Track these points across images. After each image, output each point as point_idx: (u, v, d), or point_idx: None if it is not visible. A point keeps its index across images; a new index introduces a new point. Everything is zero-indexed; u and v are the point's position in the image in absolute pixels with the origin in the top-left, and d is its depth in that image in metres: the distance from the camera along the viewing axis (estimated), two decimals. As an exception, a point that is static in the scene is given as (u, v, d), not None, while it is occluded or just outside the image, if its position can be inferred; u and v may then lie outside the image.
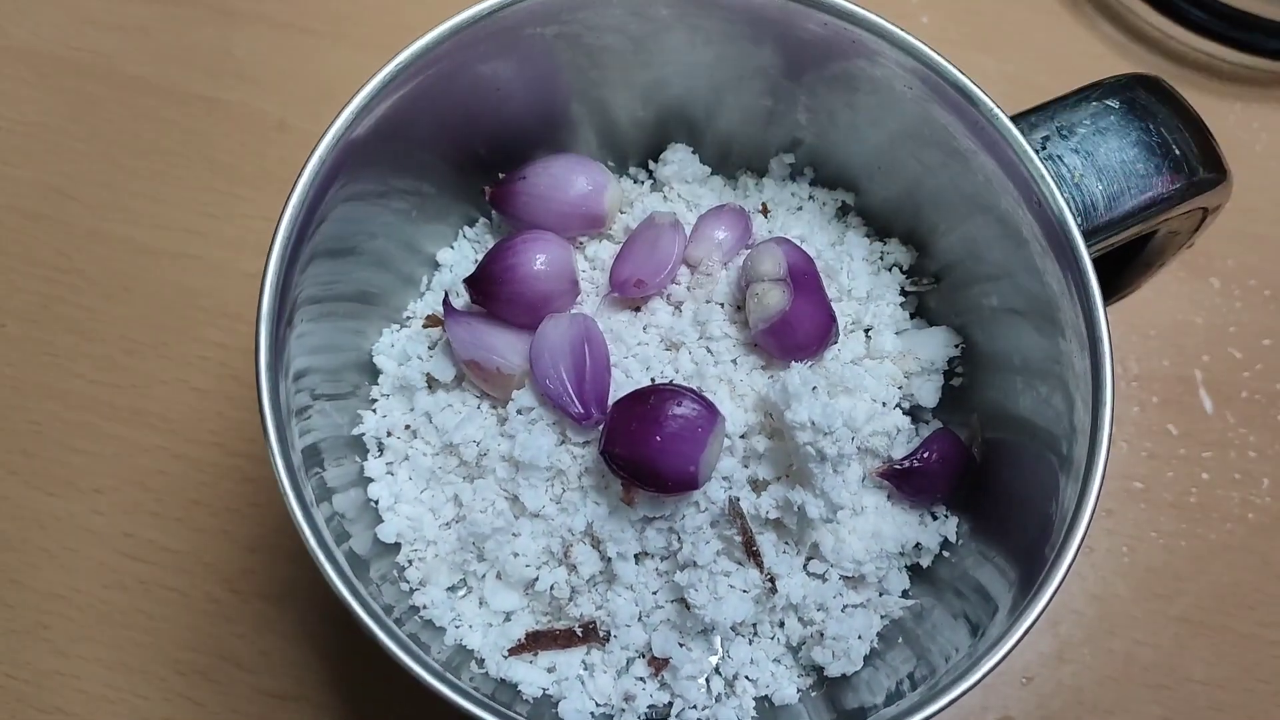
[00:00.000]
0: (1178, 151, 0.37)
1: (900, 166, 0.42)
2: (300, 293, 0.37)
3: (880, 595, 0.41)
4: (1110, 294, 0.44)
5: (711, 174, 0.46)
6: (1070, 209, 0.35)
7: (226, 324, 0.53)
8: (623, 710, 0.39)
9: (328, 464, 0.38)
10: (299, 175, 0.36)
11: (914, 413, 0.43)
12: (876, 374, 0.41)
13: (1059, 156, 0.37)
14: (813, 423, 0.36)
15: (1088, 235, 0.36)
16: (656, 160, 0.46)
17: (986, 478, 0.42)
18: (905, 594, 0.41)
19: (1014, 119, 0.36)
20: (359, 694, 0.48)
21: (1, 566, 0.49)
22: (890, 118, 0.41)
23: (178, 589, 0.49)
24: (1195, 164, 0.37)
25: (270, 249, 0.35)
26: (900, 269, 0.44)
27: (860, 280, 0.42)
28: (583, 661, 0.40)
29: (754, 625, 0.40)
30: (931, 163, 0.41)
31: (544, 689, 0.39)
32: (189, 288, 0.54)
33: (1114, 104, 0.37)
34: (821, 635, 0.39)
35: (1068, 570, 0.33)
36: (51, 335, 0.53)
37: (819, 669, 0.40)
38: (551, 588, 0.39)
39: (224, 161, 0.56)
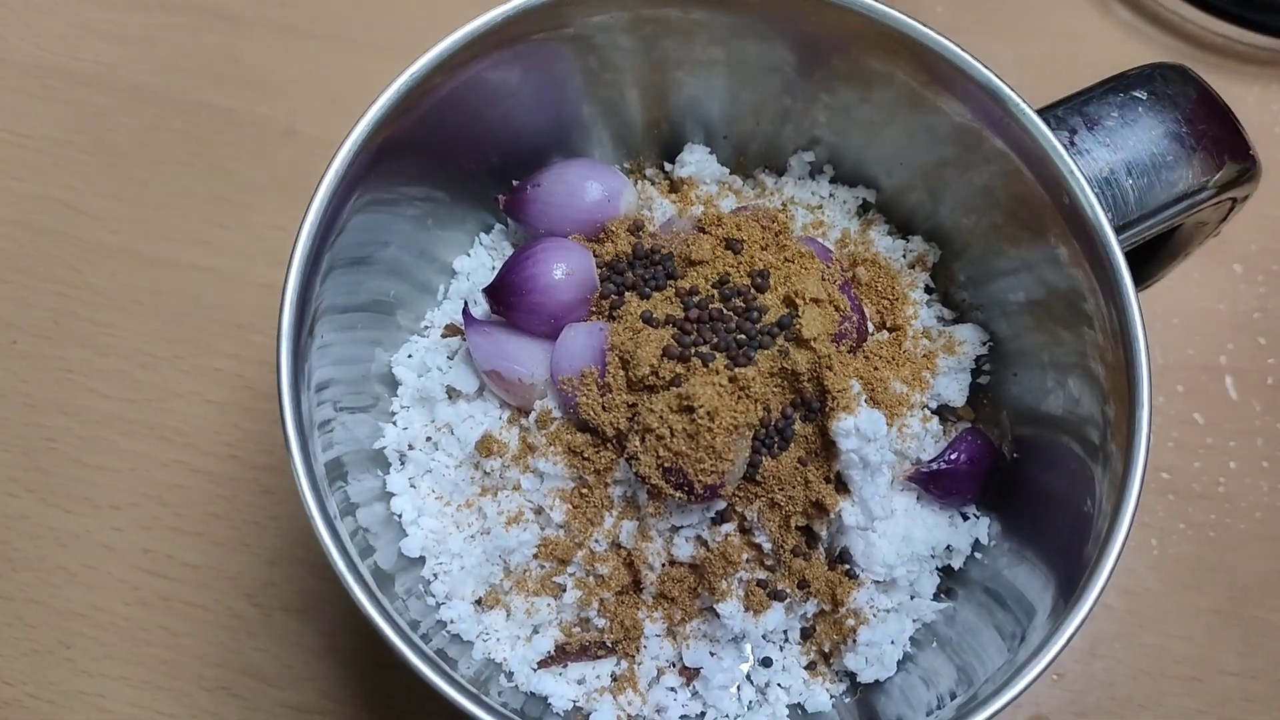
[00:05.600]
0: (1207, 142, 0.36)
1: (920, 163, 0.42)
2: (320, 303, 0.36)
3: (912, 599, 0.40)
4: (1135, 284, 0.43)
5: (730, 173, 0.45)
6: (1101, 205, 0.34)
7: (240, 335, 0.52)
8: (654, 721, 0.39)
9: (351, 478, 0.38)
10: (317, 186, 0.35)
11: (941, 412, 0.42)
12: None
13: (1088, 151, 0.36)
14: (858, 429, 0.35)
15: (1118, 230, 0.35)
16: (673, 161, 0.45)
17: (1017, 477, 0.41)
18: (937, 597, 0.40)
19: (1040, 112, 0.36)
20: (386, 707, 0.47)
21: (21, 585, 0.49)
22: (909, 114, 0.40)
23: (199, 604, 0.48)
24: (1225, 155, 0.36)
25: (291, 260, 0.34)
26: (924, 265, 0.43)
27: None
28: (612, 673, 0.40)
29: (784, 632, 0.40)
30: (952, 159, 0.40)
31: (574, 701, 0.39)
32: (201, 299, 0.53)
33: (1141, 95, 0.37)
34: (854, 641, 0.39)
35: (1109, 576, 0.32)
36: (64, 350, 0.52)
37: (851, 675, 0.40)
38: (579, 599, 0.39)
39: (232, 170, 0.56)
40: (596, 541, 0.38)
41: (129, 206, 0.55)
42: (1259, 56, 0.59)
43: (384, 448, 0.41)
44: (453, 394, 0.41)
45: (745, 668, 0.40)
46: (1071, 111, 0.37)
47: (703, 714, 0.39)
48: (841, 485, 0.37)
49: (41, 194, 0.55)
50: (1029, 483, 0.41)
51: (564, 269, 0.38)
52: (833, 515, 0.37)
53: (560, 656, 0.39)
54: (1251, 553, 0.50)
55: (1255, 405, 0.53)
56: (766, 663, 0.40)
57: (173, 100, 0.57)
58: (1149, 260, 0.44)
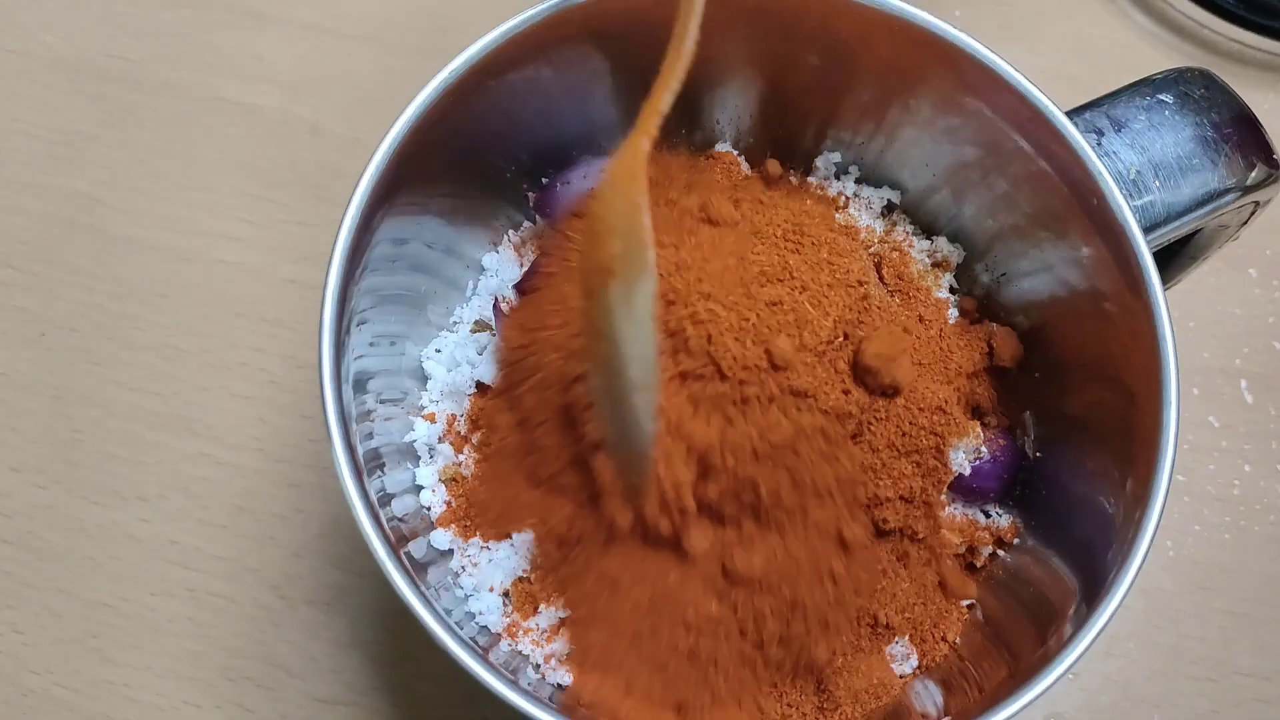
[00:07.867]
0: (1233, 146, 0.37)
1: (946, 164, 0.42)
2: (356, 301, 0.37)
3: (935, 595, 0.41)
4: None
5: (754, 171, 0.46)
6: (1129, 206, 0.35)
7: (266, 329, 0.53)
8: (681, 713, 0.39)
9: (386, 470, 0.38)
10: (354, 188, 0.36)
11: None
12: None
13: (1115, 153, 0.36)
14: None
15: (1144, 232, 0.35)
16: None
17: (1040, 476, 0.41)
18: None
19: (1068, 115, 0.36)
20: (409, 699, 0.48)
21: (48, 576, 0.49)
22: (935, 115, 0.40)
23: (225, 595, 0.49)
24: (1251, 159, 0.37)
25: (330, 261, 0.35)
26: (948, 266, 0.44)
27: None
28: (639, 665, 0.40)
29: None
30: (978, 160, 0.41)
31: (601, 692, 0.39)
32: (227, 294, 0.54)
33: (1167, 98, 0.37)
34: (878, 635, 0.39)
35: (1134, 578, 0.33)
36: (92, 343, 0.53)
37: (876, 670, 0.40)
38: (607, 592, 0.39)
39: (258, 166, 0.56)
40: (625, 535, 0.39)
41: (155, 201, 0.55)
42: (1275, 63, 0.59)
43: (414, 441, 0.41)
44: (482, 389, 0.41)
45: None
46: (1099, 114, 0.37)
47: (728, 706, 0.40)
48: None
49: (69, 188, 0.56)
50: (1052, 482, 0.41)
51: (595, 266, 0.39)
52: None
53: (588, 648, 0.40)
54: (1266, 555, 0.51)
55: (1270, 409, 0.53)
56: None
57: (198, 97, 0.57)
58: (1168, 264, 0.44)
